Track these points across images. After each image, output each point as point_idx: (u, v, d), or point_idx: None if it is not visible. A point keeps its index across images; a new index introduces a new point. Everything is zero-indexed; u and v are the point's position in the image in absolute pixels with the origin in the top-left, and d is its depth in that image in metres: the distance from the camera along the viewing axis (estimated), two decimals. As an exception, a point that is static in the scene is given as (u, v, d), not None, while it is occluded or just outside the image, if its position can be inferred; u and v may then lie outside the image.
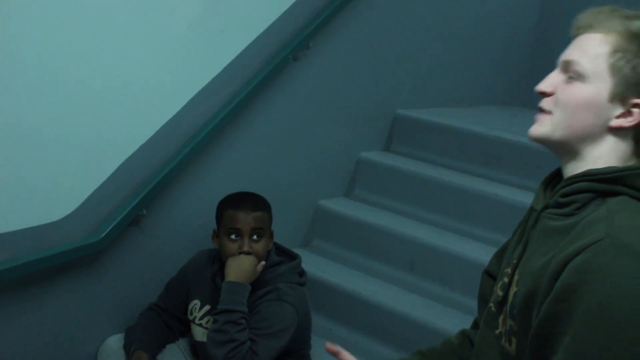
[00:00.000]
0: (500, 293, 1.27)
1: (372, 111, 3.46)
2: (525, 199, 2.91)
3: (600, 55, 1.15)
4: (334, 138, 3.29)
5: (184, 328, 2.56)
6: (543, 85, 1.22)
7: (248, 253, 2.36)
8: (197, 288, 2.51)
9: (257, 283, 2.38)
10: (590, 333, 1.03)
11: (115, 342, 2.51)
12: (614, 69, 1.14)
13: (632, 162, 1.18)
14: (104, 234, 2.39)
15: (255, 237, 2.39)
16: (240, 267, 2.34)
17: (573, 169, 1.20)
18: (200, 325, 2.46)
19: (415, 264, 2.96)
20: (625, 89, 1.14)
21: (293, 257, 2.55)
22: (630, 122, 1.15)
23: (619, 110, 1.15)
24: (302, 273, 2.53)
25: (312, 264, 3.04)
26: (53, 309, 2.40)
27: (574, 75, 1.18)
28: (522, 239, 1.26)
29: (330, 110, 3.22)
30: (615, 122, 1.16)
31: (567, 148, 1.20)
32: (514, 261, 1.25)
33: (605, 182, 1.14)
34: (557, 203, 1.19)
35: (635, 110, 1.15)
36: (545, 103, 1.22)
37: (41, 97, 2.25)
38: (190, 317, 2.49)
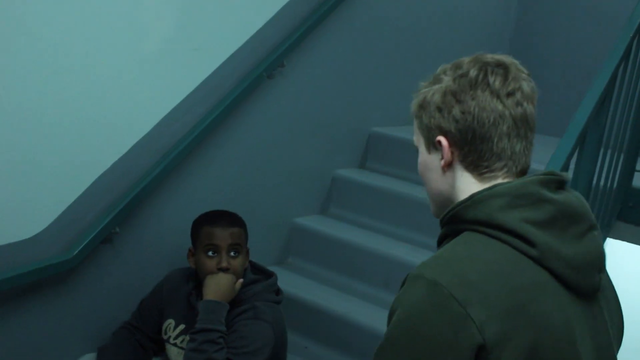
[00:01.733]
0: None
1: (347, 129, 3.48)
2: (499, 215, 2.93)
3: (414, 126, 1.31)
4: (309, 155, 3.30)
5: (157, 347, 2.53)
6: None
7: (226, 269, 2.36)
8: (172, 307, 2.48)
9: (234, 301, 2.37)
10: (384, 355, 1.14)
11: (87, 362, 2.48)
12: (419, 129, 1.28)
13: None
14: (76, 252, 2.37)
15: (232, 253, 2.39)
16: (218, 286, 2.33)
17: None
18: (175, 344, 2.44)
19: (390, 281, 2.96)
20: (428, 137, 1.25)
21: (269, 275, 2.54)
22: (444, 159, 1.23)
23: (440, 154, 1.24)
24: (277, 291, 2.52)
25: (288, 282, 3.03)
26: (24, 328, 2.36)
27: (416, 150, 1.32)
28: None
29: (305, 127, 3.23)
30: (442, 163, 1.24)
31: (441, 209, 1.26)
32: None
33: (447, 226, 1.22)
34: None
35: (440, 147, 1.23)
36: None
37: (12, 113, 2.23)
38: (165, 337, 2.47)
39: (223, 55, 2.78)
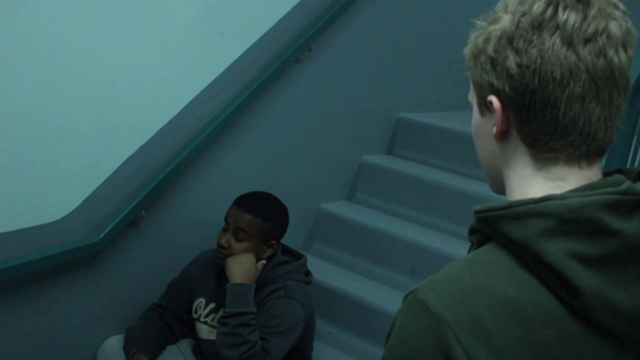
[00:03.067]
0: None
1: (374, 114, 3.44)
2: (528, 203, 2.89)
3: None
4: (336, 141, 3.28)
5: (185, 329, 2.56)
6: None
7: (222, 247, 2.38)
8: (201, 287, 2.51)
9: (264, 281, 2.39)
10: None
11: (114, 343, 2.50)
12: (472, 85, 0.99)
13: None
14: (102, 235, 2.38)
15: (238, 236, 2.39)
16: (242, 267, 2.34)
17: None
18: (205, 323, 2.47)
19: (416, 268, 2.94)
20: (480, 96, 0.96)
21: (298, 256, 2.56)
22: (496, 124, 0.94)
23: (493, 118, 0.94)
24: (307, 273, 2.54)
25: (313, 267, 3.01)
26: (51, 310, 2.39)
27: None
28: None
29: (332, 113, 3.20)
30: (494, 130, 0.94)
31: (500, 181, 1.00)
32: None
33: (480, 222, 0.92)
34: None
35: (491, 109, 0.95)
36: None
37: (40, 97, 2.24)
38: (195, 316, 2.49)
39: (250, 39, 2.76)
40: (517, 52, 0.88)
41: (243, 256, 2.36)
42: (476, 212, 0.91)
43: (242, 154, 2.86)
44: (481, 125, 0.97)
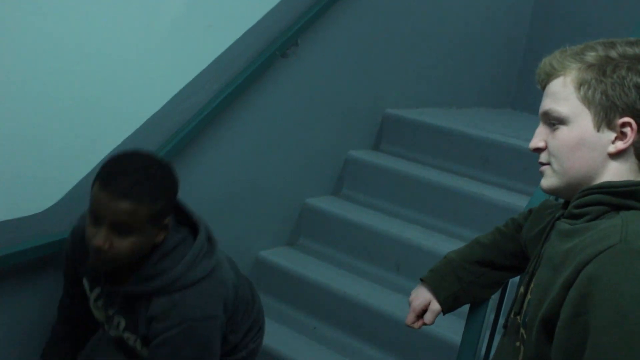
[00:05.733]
0: (518, 303, 1.29)
1: (361, 110, 3.44)
2: (513, 200, 2.90)
3: (569, 94, 1.19)
4: (322, 136, 3.27)
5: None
6: (534, 142, 1.26)
7: (99, 249, 1.72)
8: (81, 265, 1.99)
9: (148, 287, 1.82)
10: (608, 342, 1.02)
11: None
12: (586, 101, 1.17)
13: None
14: (85, 228, 2.36)
15: (119, 231, 1.72)
16: None
17: None
18: (97, 308, 2.00)
19: (401, 264, 2.94)
20: (605, 114, 1.16)
21: (194, 227, 1.94)
22: (626, 142, 1.16)
23: (612, 135, 1.17)
24: (210, 239, 1.94)
25: (298, 262, 3.03)
26: (32, 304, 2.36)
27: (556, 122, 1.21)
28: (536, 250, 1.30)
29: (318, 108, 3.20)
30: (612, 148, 1.17)
31: (578, 187, 1.21)
32: (530, 270, 1.28)
33: (619, 196, 1.15)
34: (571, 214, 1.20)
35: (625, 129, 1.16)
36: (542, 157, 1.25)
37: (23, 89, 2.22)
38: (89, 298, 2.03)
39: (236, 32, 2.74)
40: None
41: None
42: (616, 187, 1.13)
43: (227, 148, 2.84)
44: (592, 139, 1.17)
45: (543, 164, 1.25)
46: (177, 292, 1.80)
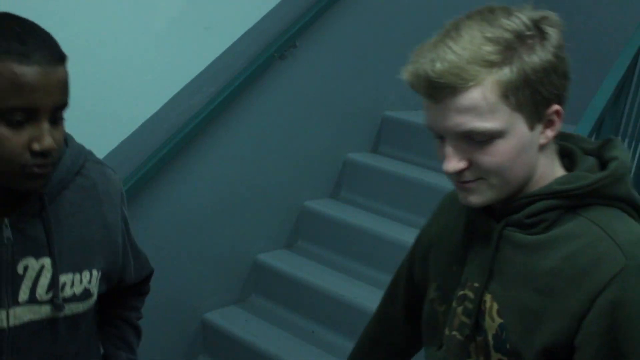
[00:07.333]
0: (465, 320, 1.18)
1: (359, 112, 3.43)
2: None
3: (496, 106, 1.03)
4: (320, 138, 3.26)
5: None
6: (453, 165, 1.08)
7: (48, 152, 1.13)
8: None
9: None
10: None
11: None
12: (518, 107, 1.03)
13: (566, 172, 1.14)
14: (82, 232, 2.35)
15: (56, 117, 1.17)
16: None
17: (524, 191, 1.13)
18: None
19: (400, 267, 2.92)
20: (536, 110, 1.06)
21: None
22: (555, 129, 1.08)
23: (541, 127, 1.08)
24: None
25: (296, 265, 3.01)
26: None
27: (486, 138, 1.04)
28: (483, 263, 1.16)
29: (316, 110, 3.18)
30: (543, 139, 1.08)
31: (515, 192, 1.11)
32: (476, 285, 1.16)
33: (577, 199, 1.08)
34: (522, 224, 1.11)
35: (553, 117, 1.08)
36: (467, 175, 1.09)
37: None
38: None
39: (234, 34, 2.74)
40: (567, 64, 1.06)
41: None
42: (572, 191, 1.07)
43: (225, 151, 2.83)
44: (529, 139, 1.06)
45: (470, 182, 1.10)
46: None
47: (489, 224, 1.15)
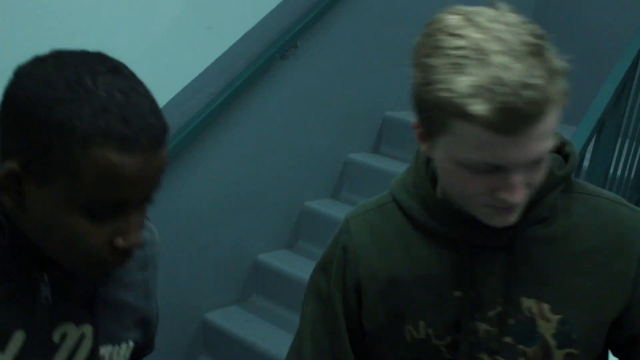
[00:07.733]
0: (508, 341, 1.10)
1: (360, 112, 3.43)
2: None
3: (556, 119, 0.92)
4: (321, 138, 3.26)
5: None
6: (523, 194, 0.96)
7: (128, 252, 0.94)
8: None
9: None
10: None
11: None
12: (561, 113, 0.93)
13: None
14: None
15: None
16: None
17: None
18: None
19: (400, 267, 2.92)
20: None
21: None
22: None
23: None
24: None
25: (297, 265, 3.01)
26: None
27: (544, 157, 0.95)
28: (505, 273, 1.09)
29: (318, 110, 3.18)
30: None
31: None
32: (506, 297, 1.08)
33: (567, 179, 1.12)
34: (541, 218, 1.08)
35: None
36: (519, 198, 0.96)
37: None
38: None
39: (235, 34, 2.74)
40: None
41: None
42: (570, 171, 1.08)
43: (226, 151, 2.83)
44: None
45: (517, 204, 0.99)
46: None
47: (497, 232, 1.05)
